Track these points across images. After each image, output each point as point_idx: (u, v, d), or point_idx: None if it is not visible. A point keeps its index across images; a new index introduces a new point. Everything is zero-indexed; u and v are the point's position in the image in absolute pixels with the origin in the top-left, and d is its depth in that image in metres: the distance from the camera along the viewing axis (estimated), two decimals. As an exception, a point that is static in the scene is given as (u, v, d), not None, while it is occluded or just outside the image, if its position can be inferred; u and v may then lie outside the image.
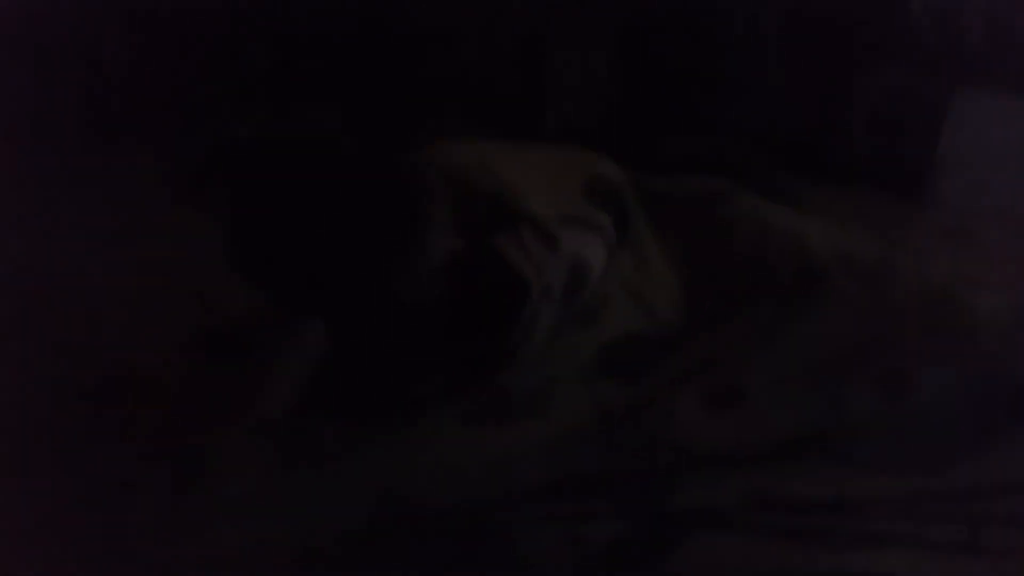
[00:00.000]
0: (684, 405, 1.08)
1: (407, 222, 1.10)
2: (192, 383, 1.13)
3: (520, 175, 1.22)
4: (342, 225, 1.09)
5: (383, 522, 0.96)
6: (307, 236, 1.08)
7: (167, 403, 1.11)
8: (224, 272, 1.13)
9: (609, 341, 1.16)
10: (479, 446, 1.04)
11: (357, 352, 1.12)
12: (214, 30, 1.79)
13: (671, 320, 1.19)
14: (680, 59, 1.95)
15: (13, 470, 1.00)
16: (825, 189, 1.83)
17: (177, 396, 1.12)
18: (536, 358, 1.12)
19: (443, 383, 1.09)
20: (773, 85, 2.10)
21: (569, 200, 1.23)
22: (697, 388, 1.10)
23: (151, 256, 1.40)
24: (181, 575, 0.89)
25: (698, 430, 1.06)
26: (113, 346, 1.22)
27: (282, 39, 1.79)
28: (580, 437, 1.05)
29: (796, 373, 1.12)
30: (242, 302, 1.15)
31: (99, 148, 1.64)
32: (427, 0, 1.84)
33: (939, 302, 1.18)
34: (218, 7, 1.78)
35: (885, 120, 2.22)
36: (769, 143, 2.02)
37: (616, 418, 1.07)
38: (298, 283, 1.10)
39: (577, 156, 1.34)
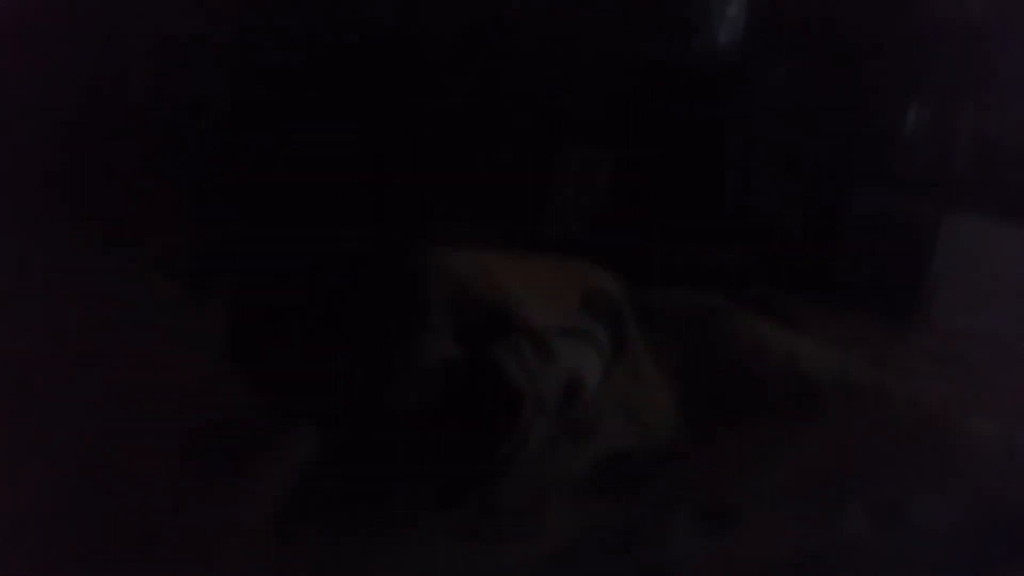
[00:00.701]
0: (676, 526, 1.06)
1: (406, 326, 1.10)
2: (178, 486, 1.11)
3: (520, 285, 1.21)
4: (338, 325, 1.08)
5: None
6: (302, 335, 1.06)
7: (151, 505, 1.10)
8: (217, 371, 1.11)
9: (602, 457, 1.14)
10: (467, 565, 1.02)
11: (346, 459, 1.11)
12: (217, 124, 1.82)
13: (664, 437, 1.18)
14: (679, 174, 1.98)
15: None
16: (818, 309, 1.85)
17: (162, 499, 1.10)
18: (528, 473, 1.10)
19: (433, 495, 1.07)
20: (769, 204, 2.13)
21: (567, 312, 1.22)
22: (689, 509, 1.08)
23: (143, 352, 1.40)
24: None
25: (690, 553, 1.04)
26: (100, 441, 1.21)
27: (284, 137, 1.81)
28: (571, 559, 1.03)
29: (788, 495, 1.10)
30: (233, 404, 1.13)
31: (98, 240, 1.65)
32: (429, 104, 1.87)
33: (933, 428, 1.17)
34: (222, 99, 1.81)
35: (877, 242, 2.24)
36: (764, 261, 2.04)
37: (607, 539, 1.05)
38: (292, 383, 1.08)
39: (576, 268, 1.34)
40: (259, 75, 1.80)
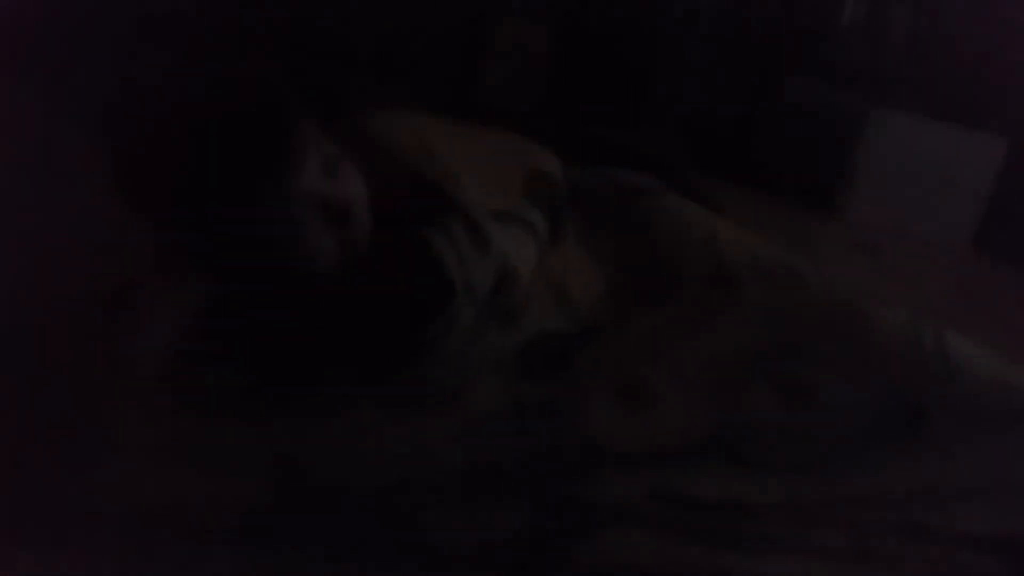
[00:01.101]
0: (596, 402, 1.09)
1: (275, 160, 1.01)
2: (84, 333, 1.10)
3: (461, 160, 1.18)
4: (249, 176, 1.02)
5: (286, 496, 0.96)
6: (228, 199, 1.02)
7: (59, 351, 1.09)
8: (119, 224, 1.07)
9: (529, 340, 1.14)
10: (390, 429, 1.03)
11: (267, 323, 1.10)
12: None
13: (589, 317, 1.19)
14: (614, 55, 1.96)
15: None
16: (742, 195, 1.88)
17: (68, 346, 1.09)
18: (454, 354, 1.10)
19: (357, 370, 1.07)
20: (701, 85, 2.13)
21: (508, 195, 1.20)
22: (609, 385, 1.10)
23: (50, 201, 1.36)
24: (73, 535, 0.87)
25: (608, 426, 1.07)
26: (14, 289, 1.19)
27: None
28: (494, 429, 1.05)
29: (701, 374, 1.13)
30: (137, 257, 1.11)
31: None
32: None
33: (843, 314, 1.19)
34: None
35: (804, 132, 2.27)
36: (695, 144, 2.05)
37: (530, 412, 1.07)
38: (195, 234, 1.03)
39: (521, 147, 1.30)
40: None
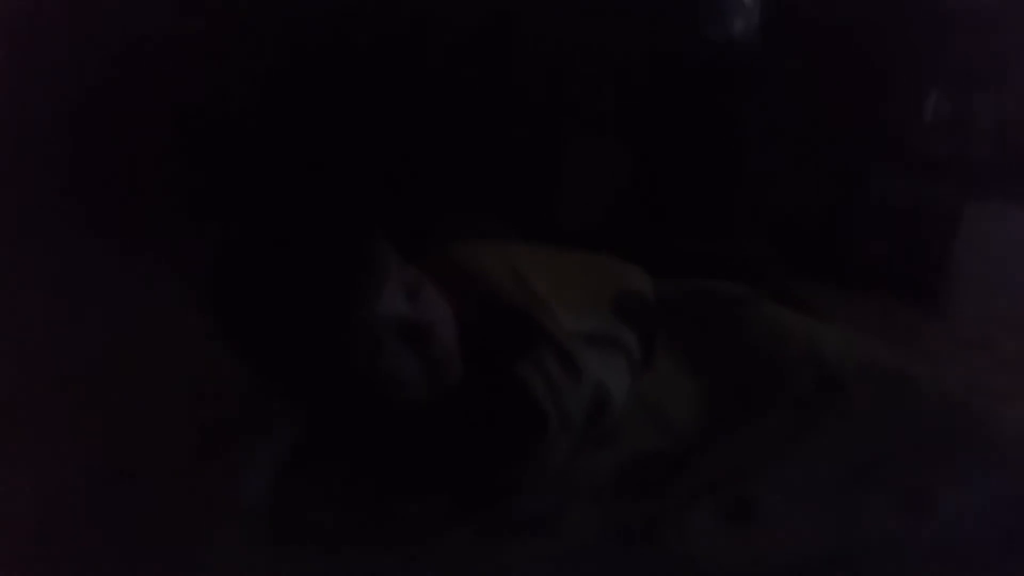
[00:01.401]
0: (699, 521, 1.04)
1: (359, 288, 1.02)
2: (184, 474, 1.12)
3: (550, 284, 1.18)
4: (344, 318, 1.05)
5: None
6: (310, 327, 1.04)
7: (159, 493, 1.10)
8: (221, 366, 1.09)
9: (625, 460, 1.12)
10: (486, 559, 1.01)
11: (361, 457, 1.10)
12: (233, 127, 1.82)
13: (687, 434, 1.15)
14: (696, 165, 1.96)
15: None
16: (841, 297, 1.83)
17: (170, 488, 1.10)
18: (550, 483, 1.08)
19: (447, 503, 1.06)
20: (792, 191, 2.11)
21: (597, 315, 1.19)
22: (712, 503, 1.06)
23: (150, 346, 1.40)
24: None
25: (713, 546, 1.02)
26: (111, 435, 1.22)
27: (296, 130, 1.80)
28: (593, 556, 1.02)
29: (811, 487, 1.08)
30: (233, 395, 1.13)
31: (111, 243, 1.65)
32: (446, 93, 1.86)
33: (958, 416, 1.14)
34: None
35: (898, 229, 2.22)
36: (785, 249, 2.02)
37: (630, 537, 1.03)
38: (284, 373, 1.06)
39: (608, 267, 1.30)
40: (268, 67, 1.80)
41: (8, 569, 1.08)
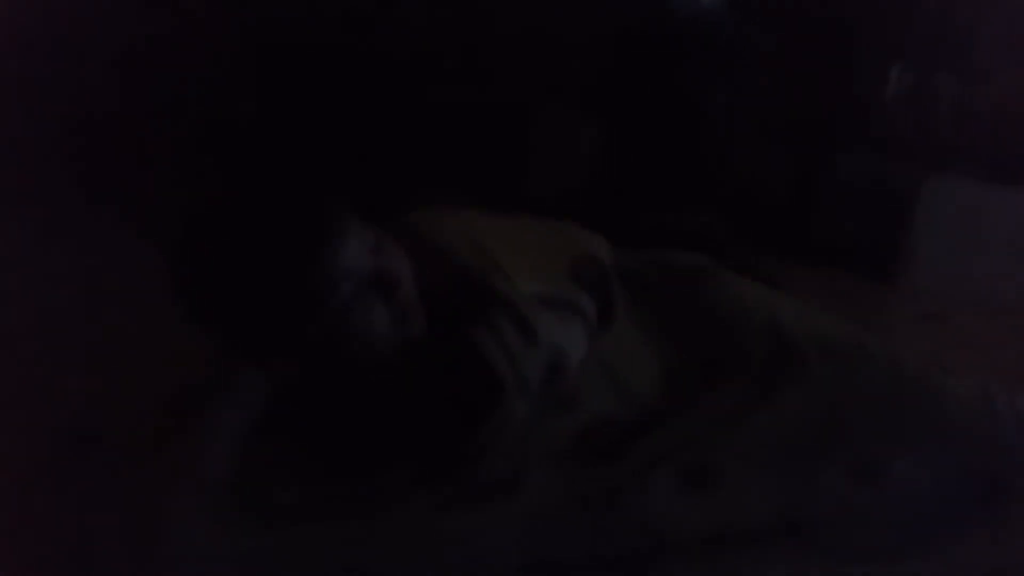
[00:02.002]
0: (658, 487, 1.05)
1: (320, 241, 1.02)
2: (146, 439, 1.11)
3: (506, 249, 1.17)
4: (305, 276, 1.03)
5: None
6: (278, 284, 1.03)
7: (122, 458, 1.10)
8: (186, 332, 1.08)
9: (585, 425, 1.12)
10: (449, 527, 1.01)
11: (328, 416, 1.09)
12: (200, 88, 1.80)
13: (646, 401, 1.16)
14: (662, 137, 1.96)
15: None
16: (801, 270, 1.84)
17: (132, 452, 1.10)
18: (509, 447, 1.08)
19: (410, 472, 1.06)
20: (753, 166, 2.12)
21: (554, 280, 1.18)
22: (671, 469, 1.07)
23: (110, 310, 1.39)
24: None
25: (672, 513, 1.04)
26: (70, 399, 1.21)
27: (271, 99, 1.79)
28: (554, 521, 1.02)
29: (768, 456, 1.09)
30: (198, 361, 1.12)
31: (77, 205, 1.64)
32: (415, 63, 1.85)
33: (912, 389, 1.15)
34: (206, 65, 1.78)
35: (858, 203, 2.23)
36: (747, 222, 2.03)
37: (590, 502, 1.04)
38: (252, 336, 1.04)
39: (566, 232, 1.29)
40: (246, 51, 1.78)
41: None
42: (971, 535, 1.04)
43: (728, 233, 1.92)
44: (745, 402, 1.14)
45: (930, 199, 2.17)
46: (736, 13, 2.02)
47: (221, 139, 1.74)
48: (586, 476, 1.07)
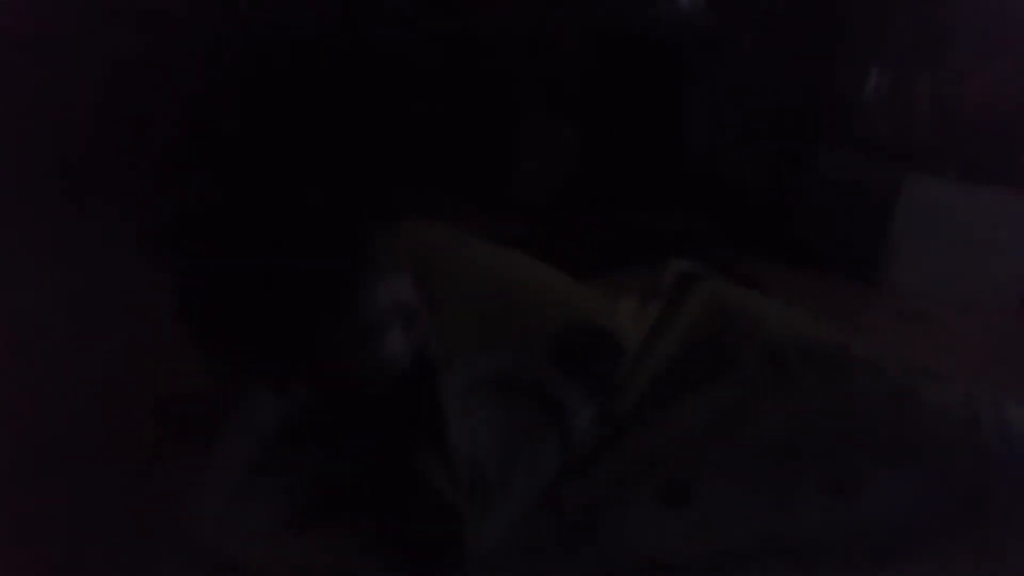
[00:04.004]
0: (637, 500, 1.02)
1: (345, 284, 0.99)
2: (147, 454, 1.09)
3: (465, 304, 1.04)
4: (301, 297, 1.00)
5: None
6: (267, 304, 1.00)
7: (120, 474, 1.07)
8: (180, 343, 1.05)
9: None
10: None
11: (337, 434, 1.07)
12: (189, 93, 1.77)
13: (629, 409, 1.11)
14: (646, 135, 1.95)
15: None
16: (784, 271, 1.83)
17: (131, 468, 1.07)
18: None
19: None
20: (733, 168, 2.11)
21: (521, 353, 1.04)
22: (650, 485, 1.03)
23: (110, 323, 1.36)
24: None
25: (651, 531, 1.01)
26: (67, 413, 1.18)
27: (258, 108, 1.76)
28: (535, 538, 1.00)
29: (748, 469, 1.06)
30: (197, 375, 1.09)
31: (66, 210, 1.61)
32: (400, 67, 1.83)
33: (892, 396, 1.11)
34: (195, 72, 1.76)
35: (841, 204, 2.23)
36: (729, 225, 2.02)
37: (568, 520, 1.01)
38: (269, 359, 1.01)
39: (568, 292, 1.13)
40: (234, 54, 1.76)
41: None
42: (953, 548, 1.02)
43: (711, 234, 1.91)
44: (727, 410, 1.10)
45: (910, 198, 2.17)
46: (717, 15, 2.01)
47: (213, 148, 1.72)
48: (566, 489, 1.03)
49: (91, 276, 1.48)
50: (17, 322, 1.38)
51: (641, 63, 1.93)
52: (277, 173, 1.18)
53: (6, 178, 1.67)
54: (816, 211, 2.24)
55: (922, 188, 2.16)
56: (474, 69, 1.86)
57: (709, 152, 2.04)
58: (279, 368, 1.02)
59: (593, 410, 1.04)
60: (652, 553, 1.00)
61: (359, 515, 1.01)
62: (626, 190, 1.89)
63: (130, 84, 1.75)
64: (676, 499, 1.03)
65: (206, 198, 1.10)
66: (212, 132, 1.77)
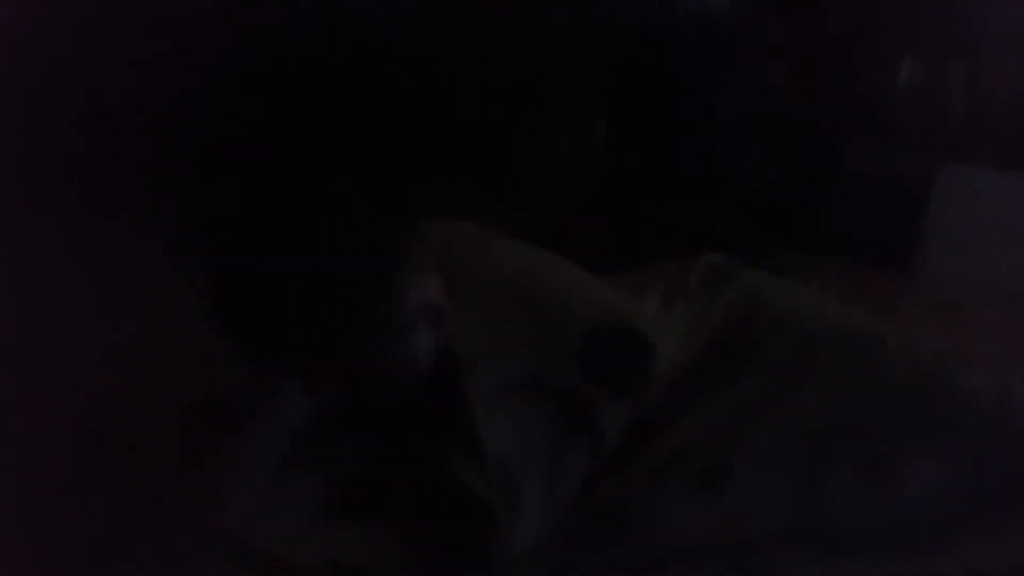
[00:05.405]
0: (670, 490, 1.02)
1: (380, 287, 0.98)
2: (176, 454, 1.08)
3: (490, 305, 1.04)
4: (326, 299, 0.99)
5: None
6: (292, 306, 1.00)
7: (150, 475, 1.06)
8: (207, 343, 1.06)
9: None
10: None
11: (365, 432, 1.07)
12: (207, 99, 1.78)
13: (661, 401, 1.11)
14: (674, 130, 1.94)
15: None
16: (816, 263, 1.82)
17: (160, 468, 1.07)
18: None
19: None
20: (764, 160, 2.09)
21: (548, 356, 1.03)
22: (683, 471, 1.03)
23: (136, 324, 1.37)
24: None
25: (682, 518, 1.01)
26: (97, 415, 1.19)
27: (275, 114, 1.77)
28: (568, 533, 1.00)
29: (782, 454, 1.05)
30: (224, 373, 1.10)
31: (87, 216, 1.63)
32: (418, 69, 1.83)
33: (927, 383, 1.11)
34: (212, 78, 1.77)
35: (875, 194, 2.21)
36: (761, 217, 2.01)
37: (600, 511, 1.01)
38: (302, 359, 1.01)
39: (596, 291, 1.11)
40: (249, 53, 1.76)
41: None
42: (988, 532, 1.01)
43: (742, 227, 1.89)
44: (760, 399, 1.10)
45: (944, 189, 2.14)
46: (744, 6, 2.00)
47: (243, 150, 1.73)
48: (596, 485, 1.03)
49: (121, 278, 1.49)
50: (48, 325, 1.39)
51: (667, 55, 1.93)
52: (304, 174, 1.19)
53: (32, 182, 1.69)
54: (850, 202, 2.22)
55: (957, 178, 2.15)
56: (498, 66, 1.85)
57: (739, 145, 2.03)
58: (310, 367, 1.01)
59: (625, 409, 1.03)
60: (685, 541, 0.99)
61: (392, 510, 1.01)
62: (654, 185, 1.88)
63: (154, 84, 1.77)
64: (709, 487, 1.02)
65: (237, 199, 1.10)
66: (242, 133, 1.78)
